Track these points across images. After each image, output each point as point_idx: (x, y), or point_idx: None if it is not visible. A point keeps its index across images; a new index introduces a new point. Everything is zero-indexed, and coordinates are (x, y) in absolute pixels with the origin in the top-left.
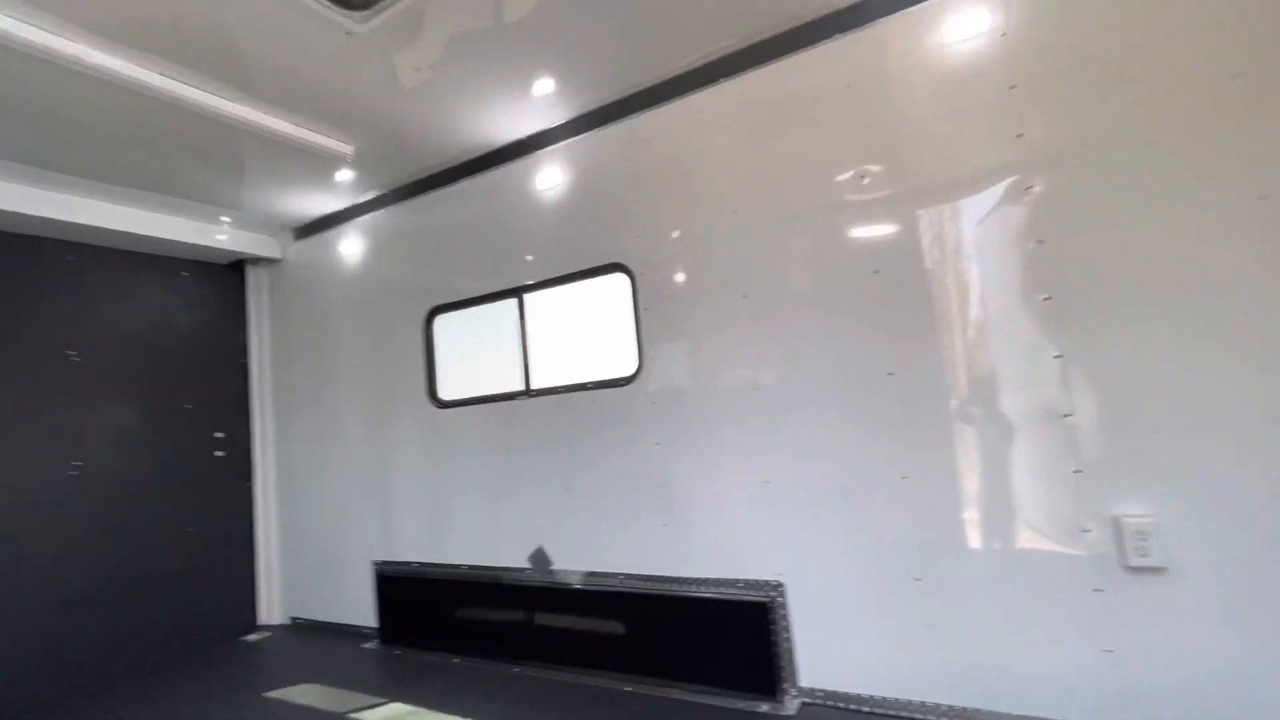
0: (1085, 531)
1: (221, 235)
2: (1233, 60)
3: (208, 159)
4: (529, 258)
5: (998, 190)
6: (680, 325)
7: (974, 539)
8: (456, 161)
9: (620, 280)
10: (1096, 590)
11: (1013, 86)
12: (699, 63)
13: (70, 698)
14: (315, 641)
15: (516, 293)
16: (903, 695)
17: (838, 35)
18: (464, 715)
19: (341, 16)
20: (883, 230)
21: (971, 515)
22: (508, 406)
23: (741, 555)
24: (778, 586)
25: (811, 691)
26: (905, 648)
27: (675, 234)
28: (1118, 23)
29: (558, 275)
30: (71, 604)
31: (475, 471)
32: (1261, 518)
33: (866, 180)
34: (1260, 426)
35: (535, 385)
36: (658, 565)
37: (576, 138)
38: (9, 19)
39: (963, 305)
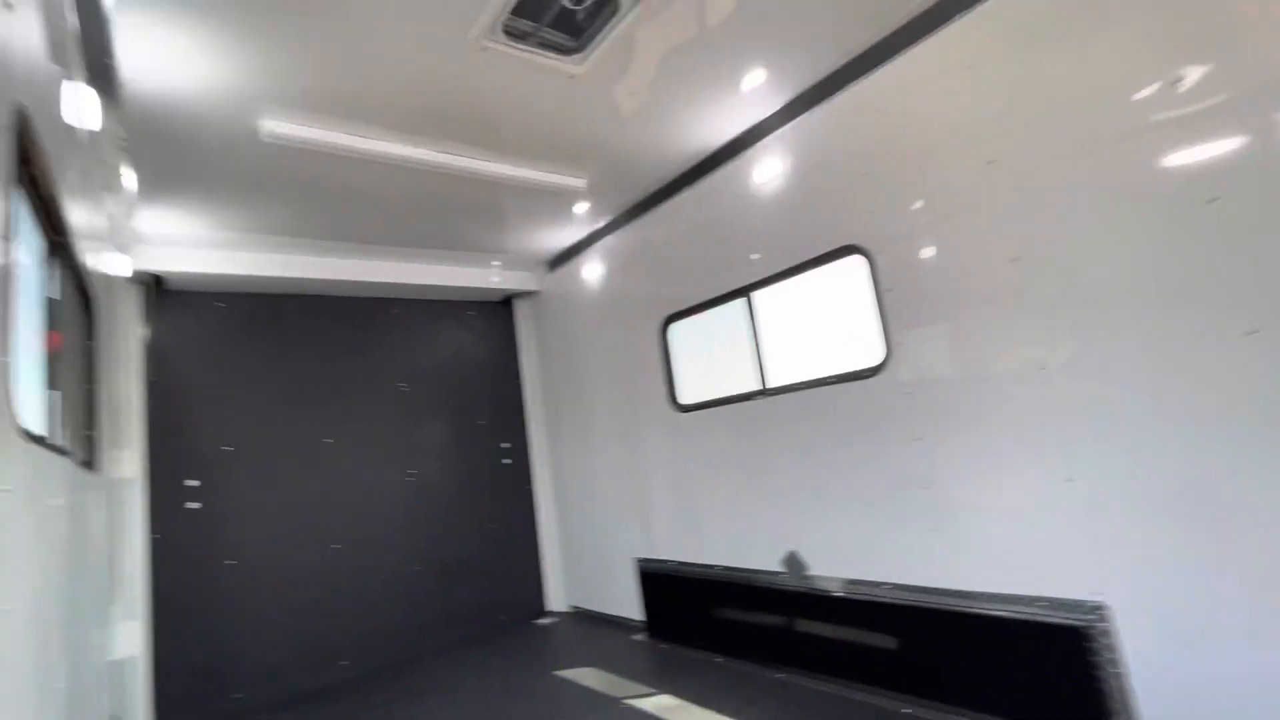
0: None
1: (494, 277)
2: None
3: (477, 215)
4: (754, 256)
5: None
6: (933, 303)
7: None
8: (677, 173)
9: (855, 263)
10: None
11: None
12: (924, 6)
13: (417, 658)
14: (592, 629)
15: (744, 292)
16: None
17: None
18: (729, 716)
19: (563, 63)
20: (1217, 148)
21: None
22: (746, 407)
23: (1039, 569)
24: (1098, 609)
25: None
26: None
27: (917, 204)
28: None
29: (785, 268)
30: (412, 582)
31: (720, 472)
32: None
33: (1183, 89)
34: None
35: (772, 384)
36: (930, 576)
37: (792, 123)
38: (354, 137)
39: None
